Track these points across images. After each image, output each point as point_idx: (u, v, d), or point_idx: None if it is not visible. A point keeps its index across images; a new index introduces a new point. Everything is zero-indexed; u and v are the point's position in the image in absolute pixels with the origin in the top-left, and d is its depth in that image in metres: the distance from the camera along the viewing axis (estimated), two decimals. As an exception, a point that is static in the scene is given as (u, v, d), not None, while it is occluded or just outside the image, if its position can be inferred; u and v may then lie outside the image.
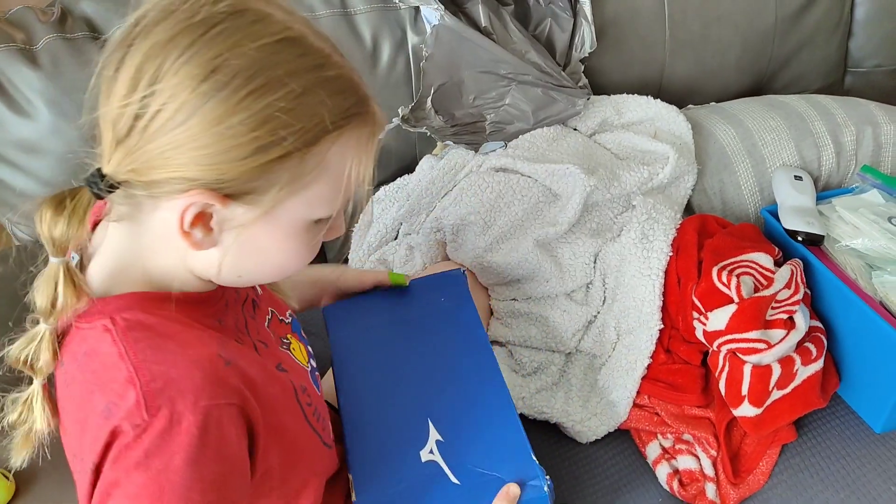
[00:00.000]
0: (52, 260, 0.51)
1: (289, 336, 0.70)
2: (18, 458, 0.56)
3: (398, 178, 1.18)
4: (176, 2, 0.49)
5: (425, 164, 1.16)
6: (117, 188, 0.50)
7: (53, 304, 0.52)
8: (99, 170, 0.51)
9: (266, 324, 0.67)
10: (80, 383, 0.52)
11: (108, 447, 0.49)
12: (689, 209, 1.16)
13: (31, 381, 0.55)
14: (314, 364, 0.72)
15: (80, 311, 0.52)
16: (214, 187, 0.49)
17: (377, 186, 1.18)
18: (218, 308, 0.60)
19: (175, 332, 0.53)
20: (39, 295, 0.52)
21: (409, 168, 1.19)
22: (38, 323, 0.53)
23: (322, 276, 0.88)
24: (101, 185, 0.50)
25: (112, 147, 0.50)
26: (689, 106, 1.28)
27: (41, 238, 0.51)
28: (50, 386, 0.56)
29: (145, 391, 0.49)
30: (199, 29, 0.48)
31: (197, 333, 0.54)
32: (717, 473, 0.94)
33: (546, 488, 0.68)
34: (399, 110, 1.13)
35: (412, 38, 1.14)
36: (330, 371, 0.83)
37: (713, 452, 0.94)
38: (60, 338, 0.54)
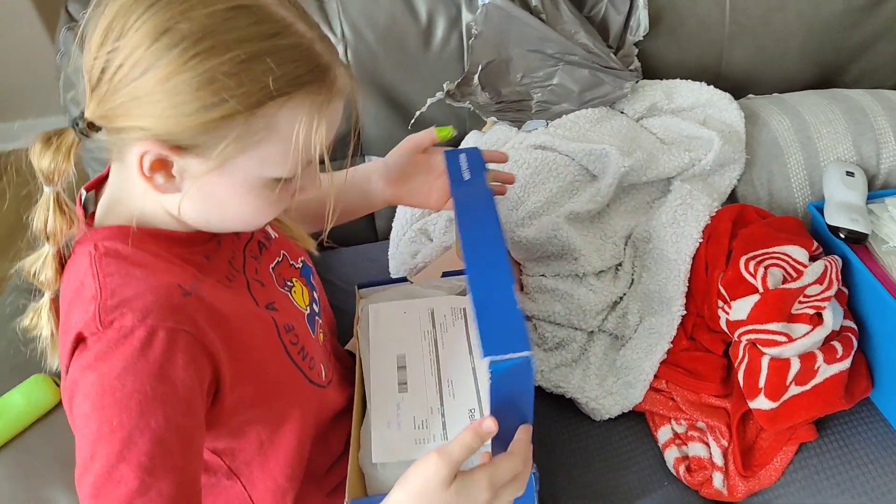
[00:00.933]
0: (45, 189, 0.59)
1: (294, 280, 0.75)
2: (53, 360, 0.65)
3: (445, 154, 1.22)
4: None
5: (470, 139, 1.19)
6: (95, 131, 0.57)
7: (47, 228, 0.59)
8: (83, 112, 0.57)
9: (272, 265, 0.73)
10: (66, 300, 0.60)
11: (72, 353, 0.56)
12: (733, 199, 1.13)
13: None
14: (316, 309, 0.77)
15: (75, 236, 0.60)
16: (165, 139, 0.54)
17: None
18: (208, 247, 0.65)
19: (147, 263, 0.59)
20: (37, 219, 0.60)
21: (458, 145, 1.22)
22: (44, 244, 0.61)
23: (362, 177, 0.86)
24: (80, 126, 0.57)
25: (89, 94, 0.56)
26: (750, 95, 1.24)
27: (35, 169, 0.59)
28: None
29: (102, 306, 0.55)
30: None
31: (168, 266, 0.60)
32: (726, 464, 0.93)
33: (532, 469, 0.67)
34: (444, 85, 1.16)
35: (466, 16, 1.17)
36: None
37: (724, 443, 0.93)
38: (65, 260, 0.62)
